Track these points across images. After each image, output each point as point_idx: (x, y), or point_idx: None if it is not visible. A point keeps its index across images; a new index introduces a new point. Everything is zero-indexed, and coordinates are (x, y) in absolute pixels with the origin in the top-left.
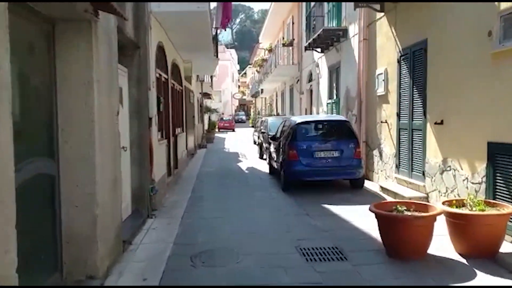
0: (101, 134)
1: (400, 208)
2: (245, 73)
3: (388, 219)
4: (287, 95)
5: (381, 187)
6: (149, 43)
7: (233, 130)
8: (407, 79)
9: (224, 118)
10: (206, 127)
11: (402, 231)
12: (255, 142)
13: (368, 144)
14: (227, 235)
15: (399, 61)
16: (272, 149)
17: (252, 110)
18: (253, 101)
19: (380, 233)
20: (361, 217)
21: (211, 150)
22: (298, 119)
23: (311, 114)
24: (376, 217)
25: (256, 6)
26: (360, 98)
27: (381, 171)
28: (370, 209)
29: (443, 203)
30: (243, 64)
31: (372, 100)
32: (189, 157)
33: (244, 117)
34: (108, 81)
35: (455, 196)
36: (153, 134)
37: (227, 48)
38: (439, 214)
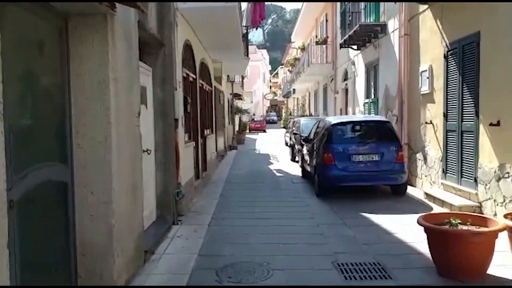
0: (118, 136)
1: (454, 222)
2: (276, 73)
3: (441, 234)
4: (320, 94)
5: (425, 193)
6: (175, 41)
7: (264, 131)
8: (455, 76)
9: (255, 119)
10: (236, 128)
11: (457, 248)
12: (286, 144)
13: (411, 146)
14: (256, 246)
15: (445, 57)
16: (305, 151)
17: (283, 111)
18: (285, 102)
19: (430, 249)
20: (405, 228)
21: (241, 151)
22: (333, 119)
23: (346, 114)
24: (425, 231)
25: (288, 6)
26: (401, 97)
27: (425, 176)
28: (418, 222)
29: (505, 216)
30: (274, 64)
31: (415, 99)
32: (218, 159)
33: (275, 118)
34: (128, 79)
35: None
36: (179, 136)
37: (259, 48)
38: (502, 230)
